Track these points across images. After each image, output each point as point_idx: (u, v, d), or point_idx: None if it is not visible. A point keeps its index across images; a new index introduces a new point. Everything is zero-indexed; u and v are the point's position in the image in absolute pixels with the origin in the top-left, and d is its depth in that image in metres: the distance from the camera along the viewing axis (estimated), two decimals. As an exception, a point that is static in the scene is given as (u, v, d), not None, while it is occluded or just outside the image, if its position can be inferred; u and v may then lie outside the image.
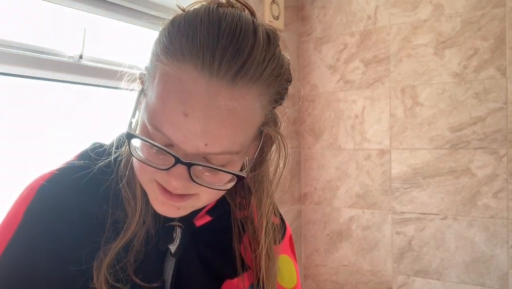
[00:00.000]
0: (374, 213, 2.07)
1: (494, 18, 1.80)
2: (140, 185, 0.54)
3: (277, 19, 2.03)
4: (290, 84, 0.56)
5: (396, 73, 2.02)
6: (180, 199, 0.50)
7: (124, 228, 0.54)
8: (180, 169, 0.47)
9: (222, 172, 0.49)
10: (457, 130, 1.88)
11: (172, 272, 0.56)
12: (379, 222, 2.06)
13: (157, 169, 0.48)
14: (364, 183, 2.10)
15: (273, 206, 0.62)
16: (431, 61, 1.93)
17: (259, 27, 0.50)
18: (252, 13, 0.53)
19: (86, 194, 0.55)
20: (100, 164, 0.56)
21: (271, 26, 0.53)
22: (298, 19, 2.28)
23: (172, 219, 0.57)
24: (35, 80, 1.28)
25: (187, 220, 0.58)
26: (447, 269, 1.89)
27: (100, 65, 1.43)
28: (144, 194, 0.54)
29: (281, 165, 0.58)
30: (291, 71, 0.56)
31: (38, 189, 0.54)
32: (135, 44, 1.60)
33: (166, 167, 0.47)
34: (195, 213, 0.57)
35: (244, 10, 0.53)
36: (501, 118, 1.79)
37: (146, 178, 0.51)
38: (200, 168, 0.48)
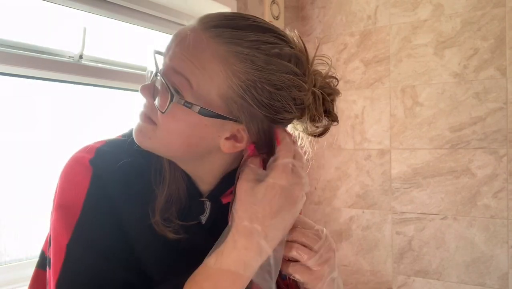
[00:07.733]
0: (374, 213, 2.07)
1: (494, 18, 1.80)
2: (169, 162, 0.63)
3: (277, 19, 2.03)
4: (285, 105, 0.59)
5: (396, 73, 2.02)
6: (143, 118, 0.59)
7: (161, 186, 0.62)
8: (151, 83, 0.59)
9: (167, 91, 0.56)
10: (457, 130, 1.88)
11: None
12: (379, 222, 2.06)
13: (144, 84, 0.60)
14: (364, 183, 2.10)
15: None
16: (431, 61, 1.93)
17: (287, 47, 0.59)
18: (301, 51, 0.63)
19: (137, 154, 0.62)
20: None
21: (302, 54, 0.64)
22: (298, 19, 2.28)
23: (201, 195, 0.65)
24: (35, 80, 1.28)
25: (215, 198, 0.64)
26: (447, 269, 1.89)
27: (100, 65, 1.42)
28: (171, 167, 0.63)
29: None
30: None
31: (97, 149, 0.61)
32: (135, 44, 1.60)
33: (147, 82, 0.59)
34: (222, 192, 0.64)
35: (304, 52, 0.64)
36: (501, 118, 1.79)
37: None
38: (159, 85, 0.58)
